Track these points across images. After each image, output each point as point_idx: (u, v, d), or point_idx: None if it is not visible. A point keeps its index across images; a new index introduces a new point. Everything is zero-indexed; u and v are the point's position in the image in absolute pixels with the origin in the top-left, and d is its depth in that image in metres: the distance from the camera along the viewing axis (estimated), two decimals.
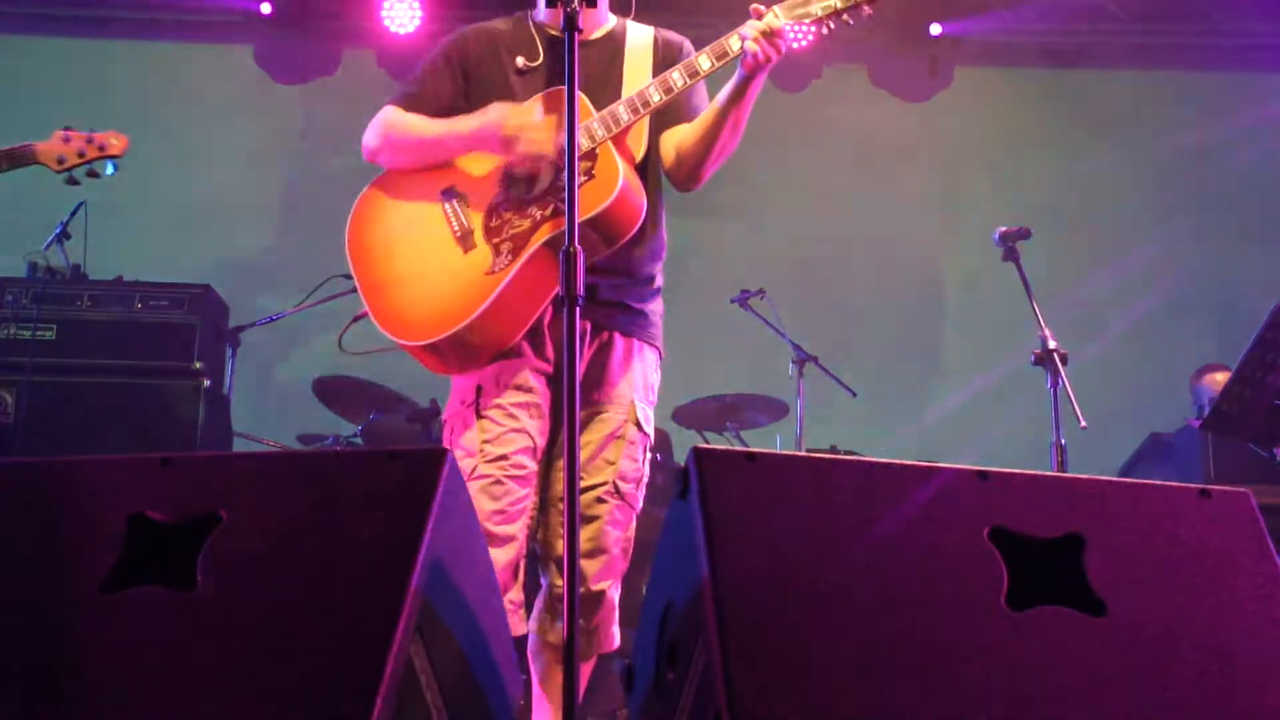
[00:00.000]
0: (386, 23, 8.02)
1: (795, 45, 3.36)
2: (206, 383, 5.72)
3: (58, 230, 6.04)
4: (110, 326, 5.75)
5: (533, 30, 3.44)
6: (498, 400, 3.26)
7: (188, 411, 5.64)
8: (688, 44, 3.48)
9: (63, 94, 8.34)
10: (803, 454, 2.81)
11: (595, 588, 3.26)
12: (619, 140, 3.24)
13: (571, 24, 2.79)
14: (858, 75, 8.46)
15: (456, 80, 3.42)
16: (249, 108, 8.42)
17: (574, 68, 2.77)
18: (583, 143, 3.16)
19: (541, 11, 3.42)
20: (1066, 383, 4.73)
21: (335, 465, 2.43)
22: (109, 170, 3.95)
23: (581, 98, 3.18)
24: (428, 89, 3.42)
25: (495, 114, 3.27)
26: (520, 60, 3.40)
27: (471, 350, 3.26)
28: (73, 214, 6.09)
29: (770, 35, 3.13)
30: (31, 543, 2.26)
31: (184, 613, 2.10)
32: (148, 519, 2.24)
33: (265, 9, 8.14)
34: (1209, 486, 2.35)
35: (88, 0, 8.34)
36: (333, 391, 6.46)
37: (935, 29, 8.19)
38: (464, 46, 3.45)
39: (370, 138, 3.44)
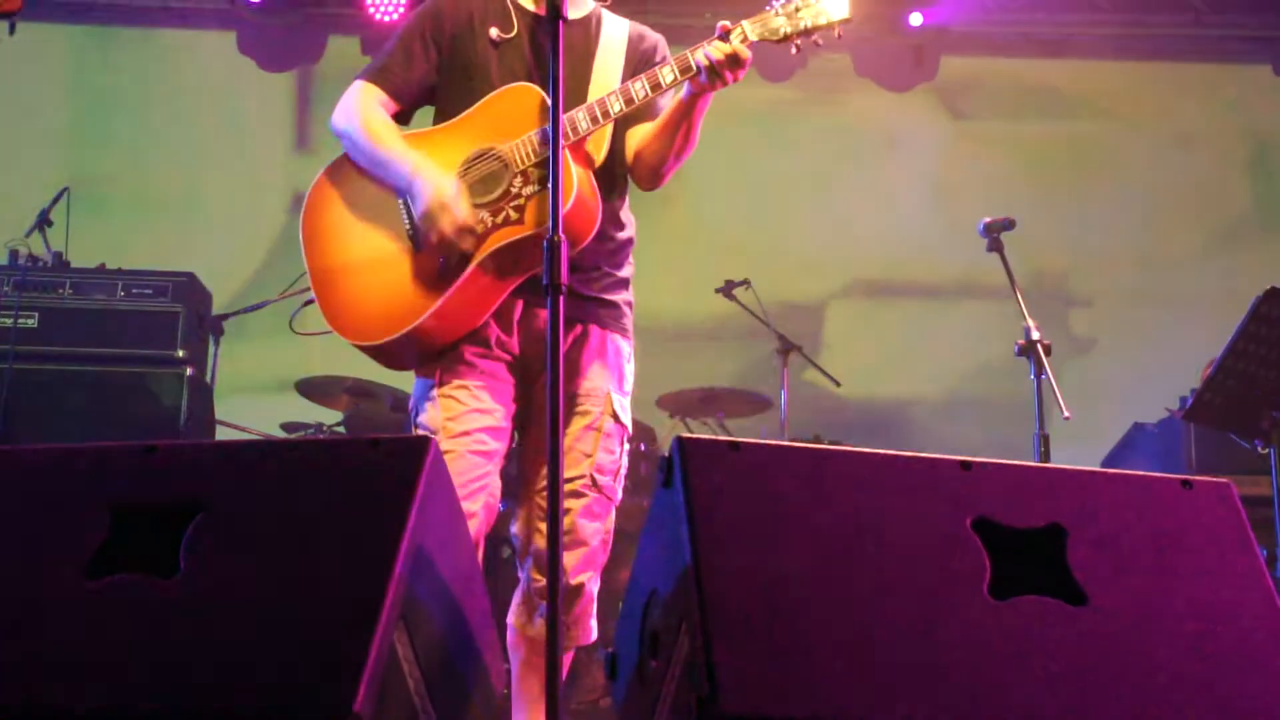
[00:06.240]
0: (371, 10, 7.98)
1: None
2: (189, 371, 5.70)
3: (39, 217, 6.01)
4: (93, 314, 5.71)
5: (508, 2, 3.38)
6: (460, 382, 3.24)
7: (171, 400, 5.62)
8: (662, 42, 3.44)
9: (43, 81, 8.30)
10: (786, 443, 2.81)
11: (574, 581, 3.25)
12: (577, 147, 3.20)
13: (555, 11, 2.77)
14: (842, 65, 8.46)
15: (429, 55, 3.36)
16: (231, 96, 8.38)
17: (559, 51, 2.75)
18: (538, 150, 3.14)
19: None
20: (1050, 373, 4.73)
21: (319, 453, 2.43)
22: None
23: (540, 94, 3.16)
24: (398, 65, 3.36)
25: (429, 184, 3.18)
26: (494, 31, 3.33)
27: (420, 350, 3.25)
28: (54, 201, 6.07)
29: (735, 62, 3.10)
30: (15, 531, 2.25)
31: (168, 600, 2.09)
32: (131, 506, 2.23)
33: None
34: (1191, 477, 2.36)
35: None
36: (317, 388, 6.45)
37: (916, 19, 8.16)
38: (438, 18, 3.38)
39: (338, 119, 3.38)
